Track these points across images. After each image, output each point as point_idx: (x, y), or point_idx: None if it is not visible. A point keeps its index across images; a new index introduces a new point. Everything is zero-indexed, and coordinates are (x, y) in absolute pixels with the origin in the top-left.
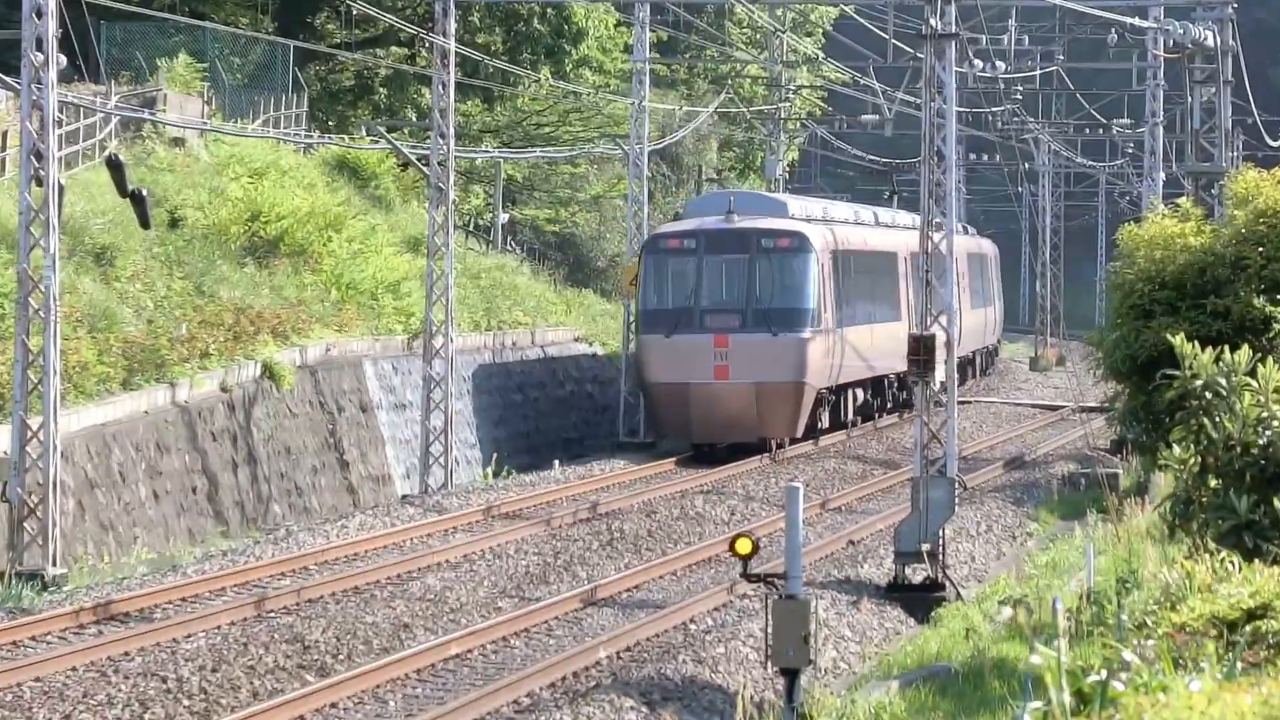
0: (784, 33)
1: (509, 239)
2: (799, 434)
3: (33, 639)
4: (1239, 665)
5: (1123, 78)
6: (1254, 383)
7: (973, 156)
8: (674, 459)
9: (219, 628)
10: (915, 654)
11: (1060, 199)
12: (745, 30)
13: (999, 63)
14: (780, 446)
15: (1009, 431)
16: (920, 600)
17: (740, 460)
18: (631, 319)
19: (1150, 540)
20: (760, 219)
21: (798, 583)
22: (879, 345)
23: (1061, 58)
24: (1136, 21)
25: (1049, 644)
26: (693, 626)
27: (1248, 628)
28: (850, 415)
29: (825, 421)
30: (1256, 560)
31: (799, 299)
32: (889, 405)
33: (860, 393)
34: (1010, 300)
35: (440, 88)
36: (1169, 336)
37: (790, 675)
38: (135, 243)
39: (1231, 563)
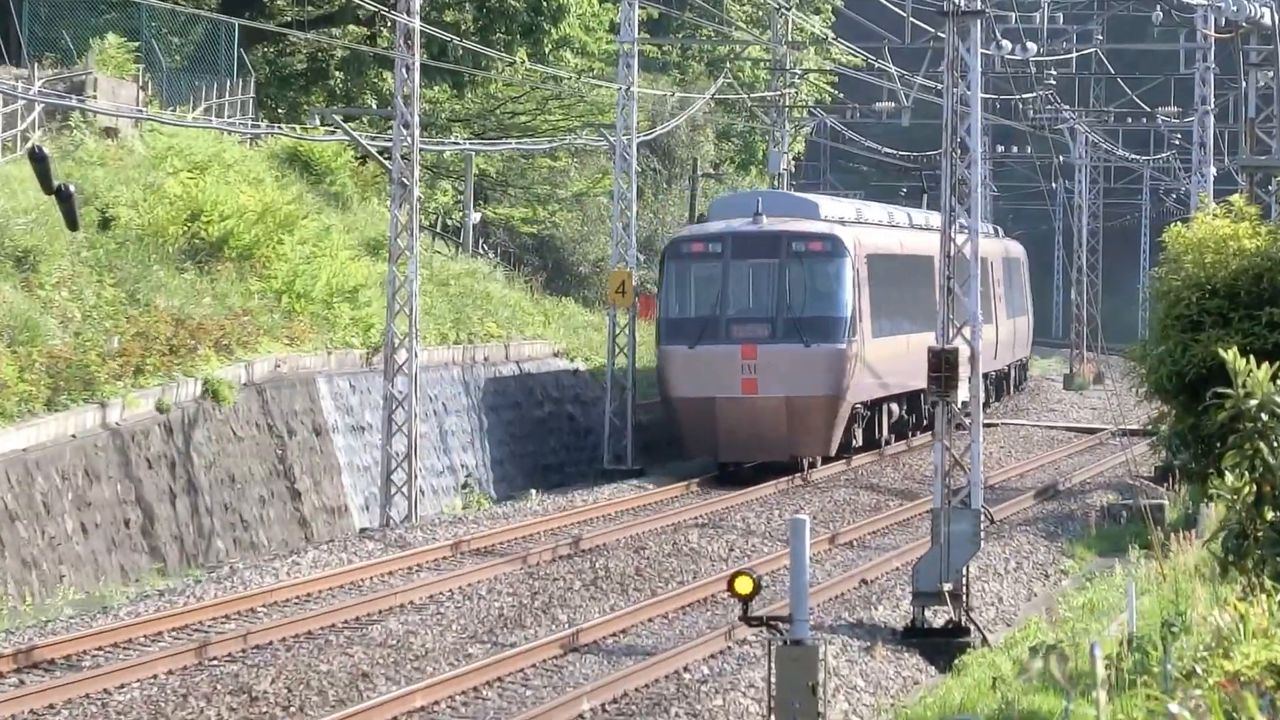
0: (789, 9)
1: (480, 241)
2: (832, 452)
3: None
4: None
5: (1169, 60)
6: None
7: (1000, 149)
8: (689, 482)
9: (155, 677)
10: (936, 706)
11: (1098, 196)
12: (745, 7)
13: (1030, 44)
14: (812, 466)
15: (1041, 457)
16: (942, 646)
17: (770, 480)
18: (618, 331)
19: (1200, 579)
20: (791, 221)
21: (804, 626)
22: (915, 357)
23: (1100, 38)
24: None
25: (1087, 696)
26: (687, 675)
27: None
28: (885, 433)
29: (859, 439)
30: None
31: (833, 307)
32: (925, 423)
33: (895, 408)
34: (1042, 310)
35: (404, 71)
36: (1220, 351)
37: None
38: (61, 245)
39: None
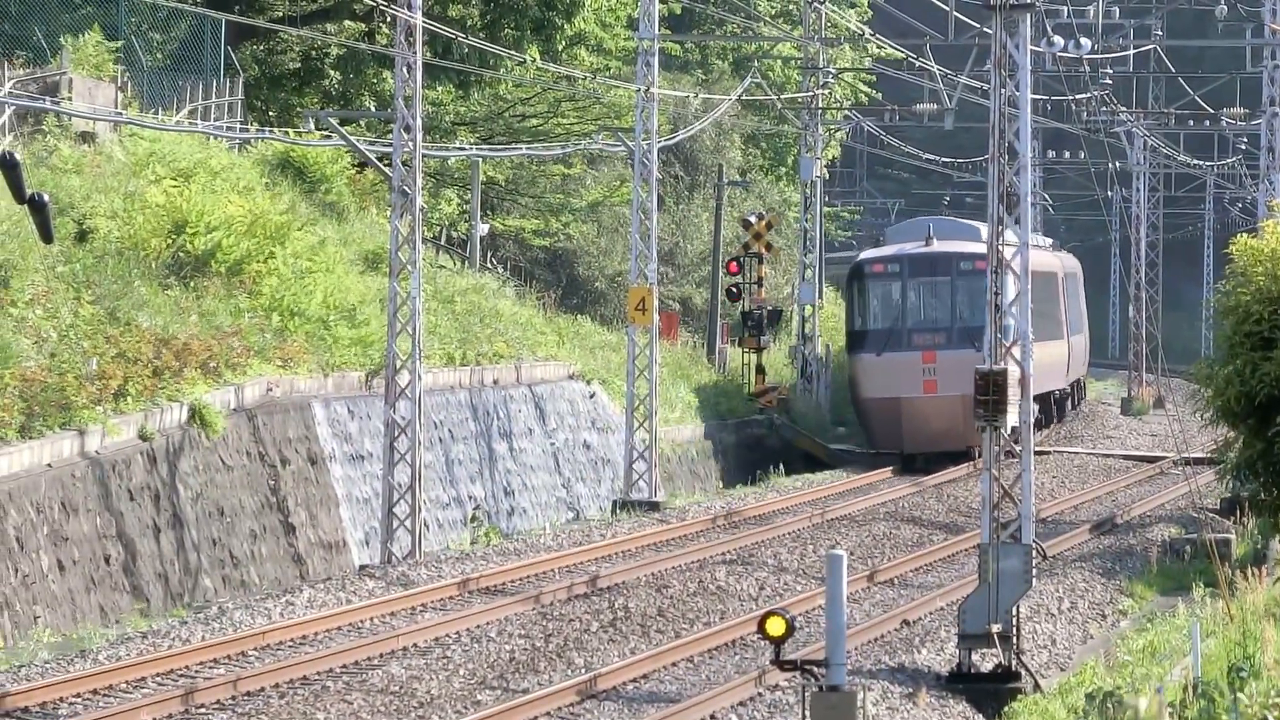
0: (822, 3)
1: (489, 255)
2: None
3: None
4: None
5: (1234, 57)
6: None
7: (1052, 154)
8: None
9: None
10: None
11: (1158, 205)
12: (774, 1)
13: (1084, 40)
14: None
15: (1097, 488)
16: (990, 693)
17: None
18: (638, 352)
19: (1270, 620)
20: (957, 243)
21: (841, 671)
22: (1046, 362)
23: (1160, 34)
24: None
25: None
26: None
27: None
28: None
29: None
30: None
31: (980, 318)
32: (1050, 420)
33: (1034, 406)
34: (1097, 328)
35: (404, 71)
36: None
37: None
38: (35, 259)
39: None
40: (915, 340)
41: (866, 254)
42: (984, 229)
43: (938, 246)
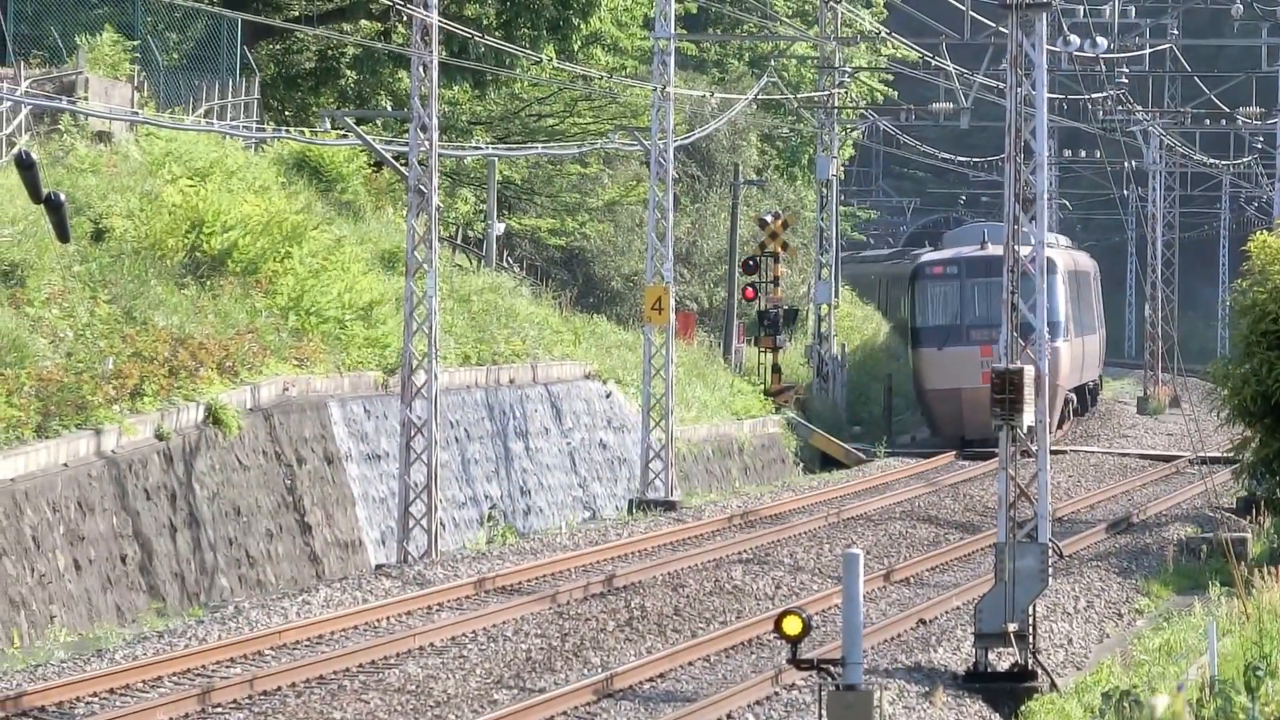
0: (838, 2)
1: (505, 254)
2: (1050, 429)
3: None
4: None
5: (1250, 56)
6: None
7: (1067, 153)
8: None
9: None
10: None
11: (1174, 204)
12: (790, 1)
13: (1100, 39)
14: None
15: (1113, 487)
16: (1006, 692)
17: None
18: (654, 351)
19: None
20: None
21: (858, 670)
22: (1087, 356)
23: (1175, 33)
24: None
25: None
26: None
27: None
28: (1071, 415)
29: (1070, 416)
30: None
31: (1050, 313)
32: (1085, 409)
33: (1074, 395)
34: (1113, 327)
35: (421, 70)
36: None
37: None
38: (51, 258)
39: None
40: (973, 335)
41: (926, 257)
42: (1063, 237)
43: (992, 250)
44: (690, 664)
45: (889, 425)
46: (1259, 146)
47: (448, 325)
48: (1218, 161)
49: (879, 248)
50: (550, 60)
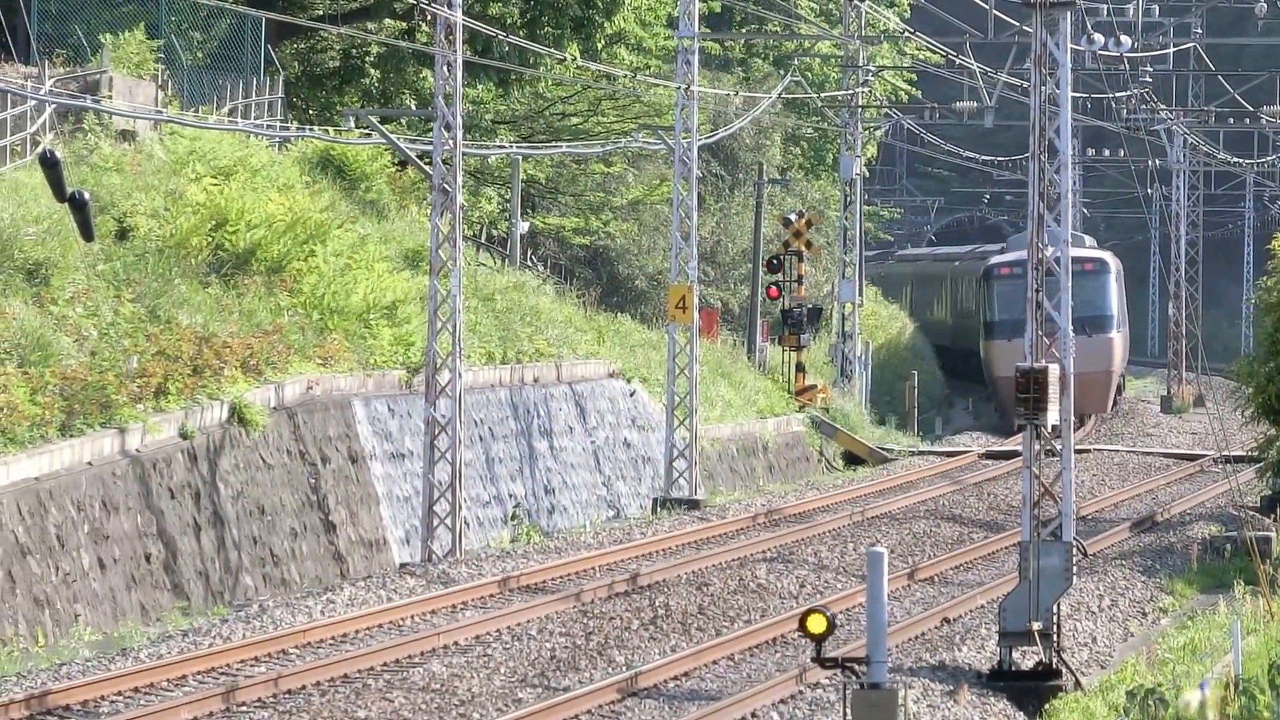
0: (862, 1)
1: (529, 253)
2: (1108, 411)
3: None
4: None
5: (1273, 55)
6: None
7: (1091, 152)
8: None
9: None
10: None
11: (1198, 203)
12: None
13: (1124, 38)
14: (1091, 419)
15: (1137, 486)
16: (1031, 690)
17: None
18: (678, 350)
19: None
20: (1071, 248)
21: (882, 669)
22: (1128, 347)
23: (1199, 32)
24: None
25: None
26: None
27: None
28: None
29: (1122, 402)
30: None
31: (1105, 308)
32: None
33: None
34: (1137, 326)
35: (445, 69)
36: None
37: None
38: (75, 257)
39: None
40: None
41: (995, 259)
42: (1088, 238)
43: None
44: (714, 663)
45: (914, 422)
46: None
47: (472, 324)
48: (1242, 160)
49: (918, 245)
50: (574, 59)
